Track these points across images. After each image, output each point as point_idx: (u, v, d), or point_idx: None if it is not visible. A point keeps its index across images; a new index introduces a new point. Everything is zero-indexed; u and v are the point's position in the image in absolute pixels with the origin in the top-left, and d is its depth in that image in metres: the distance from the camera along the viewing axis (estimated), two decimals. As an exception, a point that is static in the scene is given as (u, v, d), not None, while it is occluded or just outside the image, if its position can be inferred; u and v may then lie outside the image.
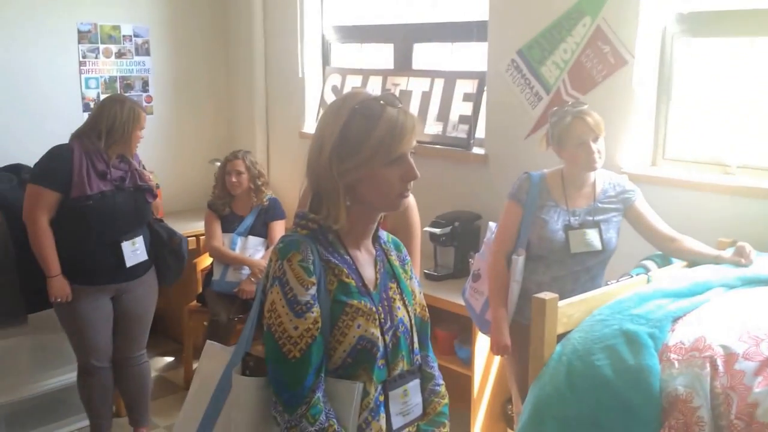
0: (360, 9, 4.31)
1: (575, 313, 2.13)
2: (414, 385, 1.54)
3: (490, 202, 3.42)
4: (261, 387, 1.41)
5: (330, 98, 4.20)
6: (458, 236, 3.41)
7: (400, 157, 1.42)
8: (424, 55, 4.01)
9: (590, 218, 2.54)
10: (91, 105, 4.20)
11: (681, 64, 2.96)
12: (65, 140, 3.00)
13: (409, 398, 1.53)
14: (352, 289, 1.44)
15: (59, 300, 2.94)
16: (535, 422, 1.99)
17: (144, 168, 3.18)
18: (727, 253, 2.39)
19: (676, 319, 2.00)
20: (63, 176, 2.87)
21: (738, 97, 2.83)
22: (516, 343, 2.53)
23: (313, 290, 1.39)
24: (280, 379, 1.37)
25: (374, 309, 1.45)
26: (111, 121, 2.95)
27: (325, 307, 1.40)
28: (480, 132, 3.62)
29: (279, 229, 3.86)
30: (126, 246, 3.01)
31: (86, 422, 3.34)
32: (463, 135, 3.64)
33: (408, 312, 1.55)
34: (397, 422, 1.50)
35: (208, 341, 1.62)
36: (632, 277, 2.40)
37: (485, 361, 3.21)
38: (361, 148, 1.40)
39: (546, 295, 2.07)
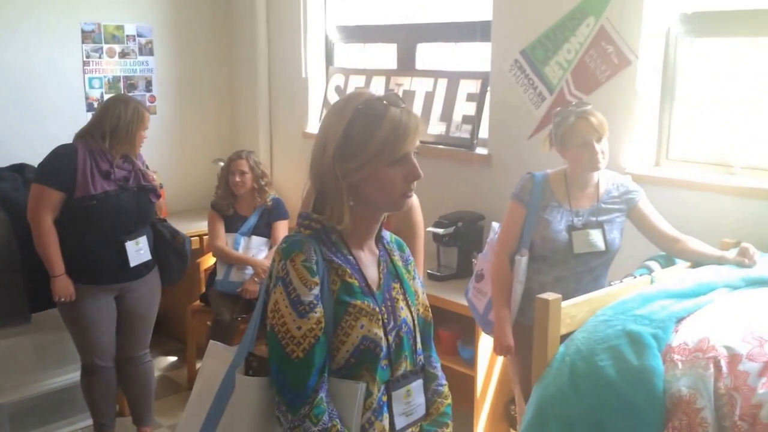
0: (363, 9, 4.31)
1: (578, 314, 2.13)
2: (417, 385, 1.54)
3: (493, 202, 3.42)
4: (264, 387, 1.41)
5: (333, 98, 4.20)
6: (461, 236, 3.41)
7: (403, 157, 1.42)
8: (428, 55, 4.00)
9: (593, 219, 2.53)
10: (95, 105, 4.21)
11: (685, 64, 2.96)
12: (69, 140, 3.01)
13: (412, 398, 1.52)
14: (355, 290, 1.44)
15: (63, 299, 2.95)
16: (538, 423, 1.99)
17: (147, 168, 3.18)
18: (731, 253, 2.38)
19: (679, 320, 2.00)
20: (67, 176, 2.88)
21: (742, 98, 2.82)
22: (519, 344, 2.53)
23: (316, 290, 1.39)
24: (283, 380, 1.37)
25: (377, 309, 1.45)
26: (115, 121, 2.95)
27: (328, 308, 1.40)
28: (483, 132, 3.62)
29: (282, 229, 3.86)
30: (130, 246, 3.02)
31: (90, 421, 3.34)
32: (467, 135, 3.64)
33: (411, 312, 1.55)
34: (400, 422, 1.50)
35: (211, 341, 1.62)
36: (636, 277, 2.40)
37: (488, 362, 3.21)
38: (365, 148, 1.40)
39: (549, 296, 2.06)
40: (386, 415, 1.47)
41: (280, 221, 3.88)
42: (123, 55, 4.37)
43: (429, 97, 3.81)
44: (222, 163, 4.07)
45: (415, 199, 2.27)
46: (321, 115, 4.38)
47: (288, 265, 1.39)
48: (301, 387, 1.36)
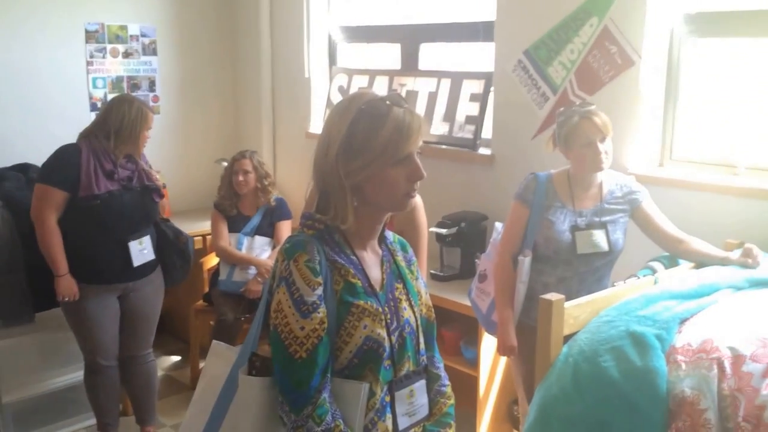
0: (366, 9, 4.32)
1: (582, 315, 2.13)
2: (420, 385, 1.54)
3: (496, 202, 3.42)
4: (267, 387, 1.41)
5: (336, 98, 4.20)
6: (464, 237, 3.41)
7: (406, 157, 1.42)
8: (431, 55, 4.00)
9: (597, 219, 2.53)
10: (99, 105, 4.22)
11: (688, 64, 2.95)
12: (73, 140, 3.01)
13: (415, 399, 1.52)
14: (359, 290, 1.44)
15: (66, 299, 2.95)
16: (541, 423, 1.99)
17: (151, 168, 3.19)
18: (735, 254, 2.38)
19: (683, 321, 1.99)
20: (71, 176, 2.88)
21: (746, 98, 2.82)
22: (522, 344, 2.53)
23: (319, 290, 1.39)
24: (286, 380, 1.38)
25: (380, 309, 1.45)
26: (119, 121, 2.96)
27: (331, 308, 1.40)
28: (486, 132, 3.62)
29: (285, 229, 3.87)
30: (133, 245, 3.02)
31: (93, 421, 3.35)
32: (470, 135, 3.64)
33: (414, 312, 1.55)
34: (403, 423, 1.49)
35: (214, 341, 1.63)
36: (639, 278, 2.39)
37: (491, 362, 3.21)
38: (368, 148, 1.40)
39: (552, 296, 2.06)
40: (389, 416, 1.47)
41: (283, 221, 3.89)
42: (126, 55, 4.38)
43: (432, 98, 3.81)
44: (225, 164, 4.07)
45: (418, 200, 2.27)
46: (324, 115, 4.38)
47: (291, 265, 1.39)
48: (305, 387, 1.36)
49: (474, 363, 3.21)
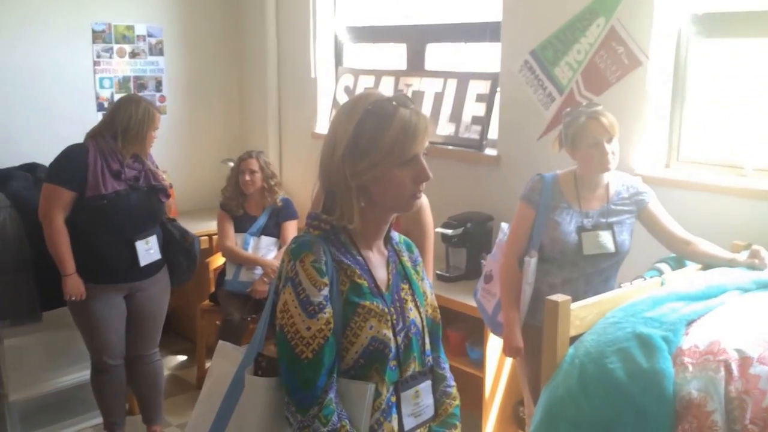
0: (372, 9, 4.32)
1: (588, 316, 2.12)
2: (425, 386, 1.54)
3: (502, 203, 3.41)
4: (273, 387, 1.41)
5: (342, 99, 4.20)
6: (470, 237, 3.40)
7: (412, 158, 1.42)
8: (437, 55, 4.00)
9: (603, 220, 2.52)
10: (105, 105, 4.23)
11: (695, 65, 2.94)
12: (80, 140, 3.03)
13: (421, 399, 1.52)
14: (365, 290, 1.44)
15: (74, 298, 2.97)
16: (547, 425, 1.99)
17: (157, 167, 3.20)
18: (742, 256, 2.37)
19: (690, 323, 1.99)
20: (78, 175, 2.90)
21: (753, 99, 2.81)
22: (528, 346, 2.52)
23: (325, 291, 1.39)
24: (292, 380, 1.38)
25: (386, 310, 1.45)
26: (126, 121, 2.97)
27: (337, 308, 1.41)
28: (493, 133, 3.61)
29: (291, 229, 3.87)
30: (140, 245, 3.03)
31: (100, 419, 3.36)
32: (476, 136, 3.63)
33: (420, 313, 1.55)
34: (408, 423, 1.49)
35: (220, 341, 1.63)
36: (646, 279, 2.38)
37: (497, 363, 3.21)
38: (374, 149, 1.40)
39: (559, 298, 2.06)
40: (395, 416, 1.47)
41: (290, 221, 3.89)
42: (133, 55, 4.39)
43: (438, 98, 3.81)
44: (231, 164, 4.08)
45: (424, 200, 2.27)
46: (330, 116, 4.38)
47: (297, 265, 1.40)
48: (311, 387, 1.36)
49: (480, 364, 3.20)
